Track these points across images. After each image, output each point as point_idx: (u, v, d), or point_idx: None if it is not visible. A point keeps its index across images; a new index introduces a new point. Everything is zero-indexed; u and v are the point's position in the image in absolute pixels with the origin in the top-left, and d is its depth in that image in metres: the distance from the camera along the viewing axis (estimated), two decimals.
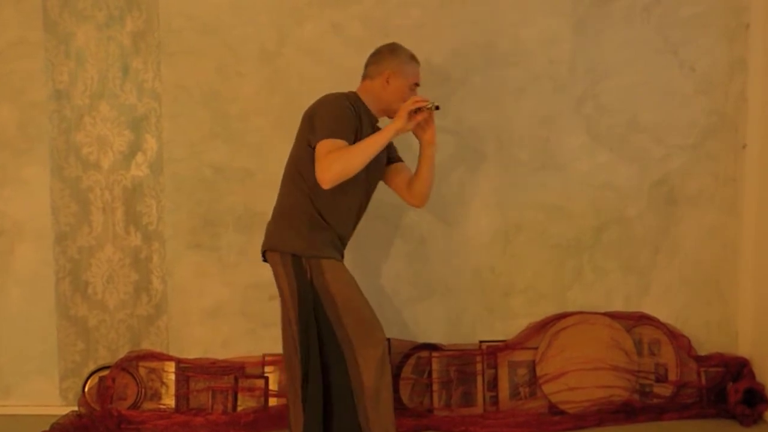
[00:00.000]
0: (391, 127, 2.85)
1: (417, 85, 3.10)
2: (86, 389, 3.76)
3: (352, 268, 3.72)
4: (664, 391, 3.70)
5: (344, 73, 3.70)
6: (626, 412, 3.64)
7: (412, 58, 3.09)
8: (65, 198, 3.84)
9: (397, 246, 3.83)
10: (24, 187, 3.85)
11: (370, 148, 2.83)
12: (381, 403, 2.83)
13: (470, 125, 3.77)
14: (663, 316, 3.80)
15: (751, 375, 3.69)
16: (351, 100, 2.96)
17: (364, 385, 2.81)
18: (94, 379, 3.76)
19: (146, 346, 3.86)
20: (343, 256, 3.02)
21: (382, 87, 3.04)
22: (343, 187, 2.87)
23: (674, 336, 3.75)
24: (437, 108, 2.93)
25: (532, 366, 3.73)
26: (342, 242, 3.03)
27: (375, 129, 3.01)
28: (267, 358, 3.75)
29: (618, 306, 3.82)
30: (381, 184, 3.18)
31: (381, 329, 2.86)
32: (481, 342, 3.80)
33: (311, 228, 2.92)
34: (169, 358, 3.79)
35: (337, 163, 2.78)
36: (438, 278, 3.84)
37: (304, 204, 2.94)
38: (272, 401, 3.71)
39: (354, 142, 2.86)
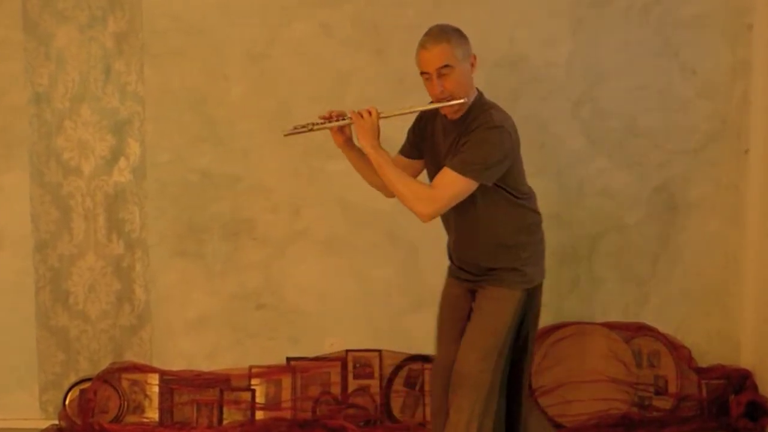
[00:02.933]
0: None
1: (424, 73, 2.71)
2: (67, 402, 3.69)
3: (343, 275, 3.74)
4: (663, 403, 3.65)
5: (336, 75, 3.67)
6: (625, 425, 3.58)
7: (420, 43, 2.72)
8: (45, 204, 3.75)
9: (388, 254, 3.76)
10: (3, 194, 3.76)
11: None
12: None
13: None
14: (662, 326, 3.74)
15: (754, 387, 3.64)
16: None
17: None
18: (75, 392, 3.69)
19: (129, 357, 3.78)
20: (460, 270, 3.03)
21: None
22: None
23: (674, 347, 3.70)
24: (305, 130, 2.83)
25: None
26: (454, 256, 3.04)
27: (448, 126, 2.81)
28: (253, 370, 3.70)
29: (616, 316, 3.76)
30: None
31: (439, 355, 3.09)
32: None
33: None
34: (153, 370, 3.73)
35: None
36: (430, 287, 3.72)
37: None
38: (259, 414, 3.66)
39: (410, 149, 2.97)
